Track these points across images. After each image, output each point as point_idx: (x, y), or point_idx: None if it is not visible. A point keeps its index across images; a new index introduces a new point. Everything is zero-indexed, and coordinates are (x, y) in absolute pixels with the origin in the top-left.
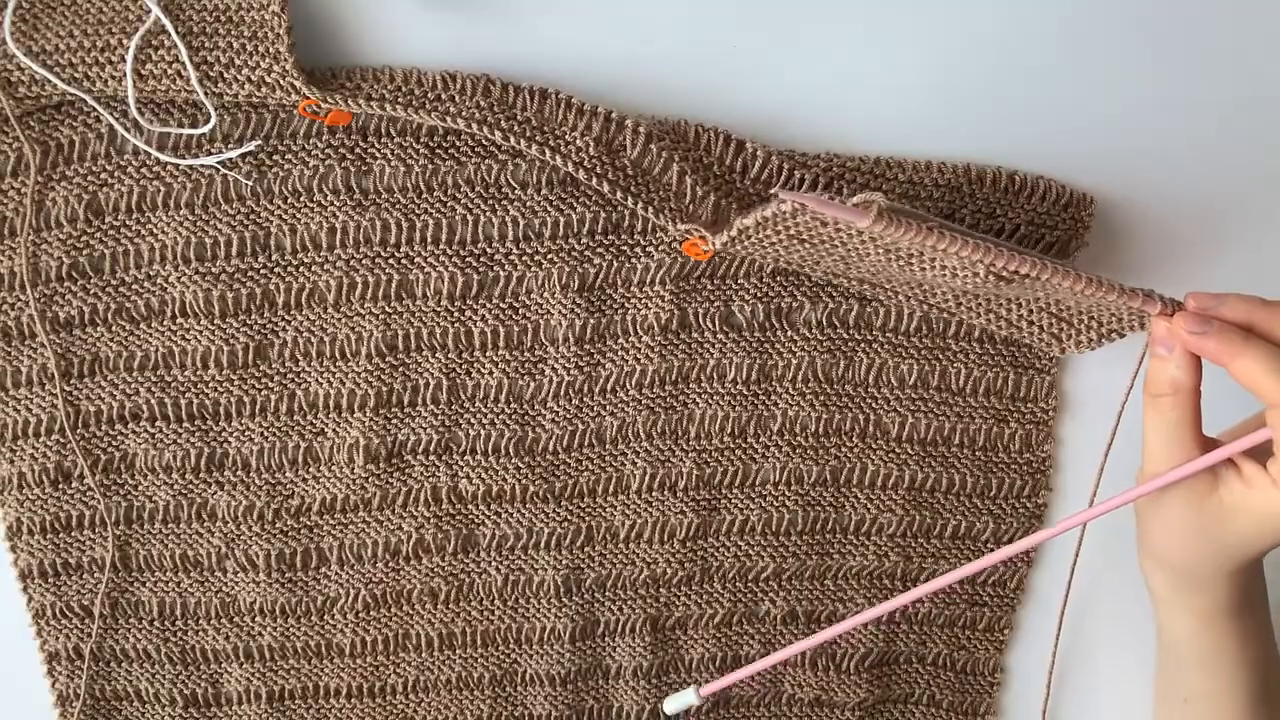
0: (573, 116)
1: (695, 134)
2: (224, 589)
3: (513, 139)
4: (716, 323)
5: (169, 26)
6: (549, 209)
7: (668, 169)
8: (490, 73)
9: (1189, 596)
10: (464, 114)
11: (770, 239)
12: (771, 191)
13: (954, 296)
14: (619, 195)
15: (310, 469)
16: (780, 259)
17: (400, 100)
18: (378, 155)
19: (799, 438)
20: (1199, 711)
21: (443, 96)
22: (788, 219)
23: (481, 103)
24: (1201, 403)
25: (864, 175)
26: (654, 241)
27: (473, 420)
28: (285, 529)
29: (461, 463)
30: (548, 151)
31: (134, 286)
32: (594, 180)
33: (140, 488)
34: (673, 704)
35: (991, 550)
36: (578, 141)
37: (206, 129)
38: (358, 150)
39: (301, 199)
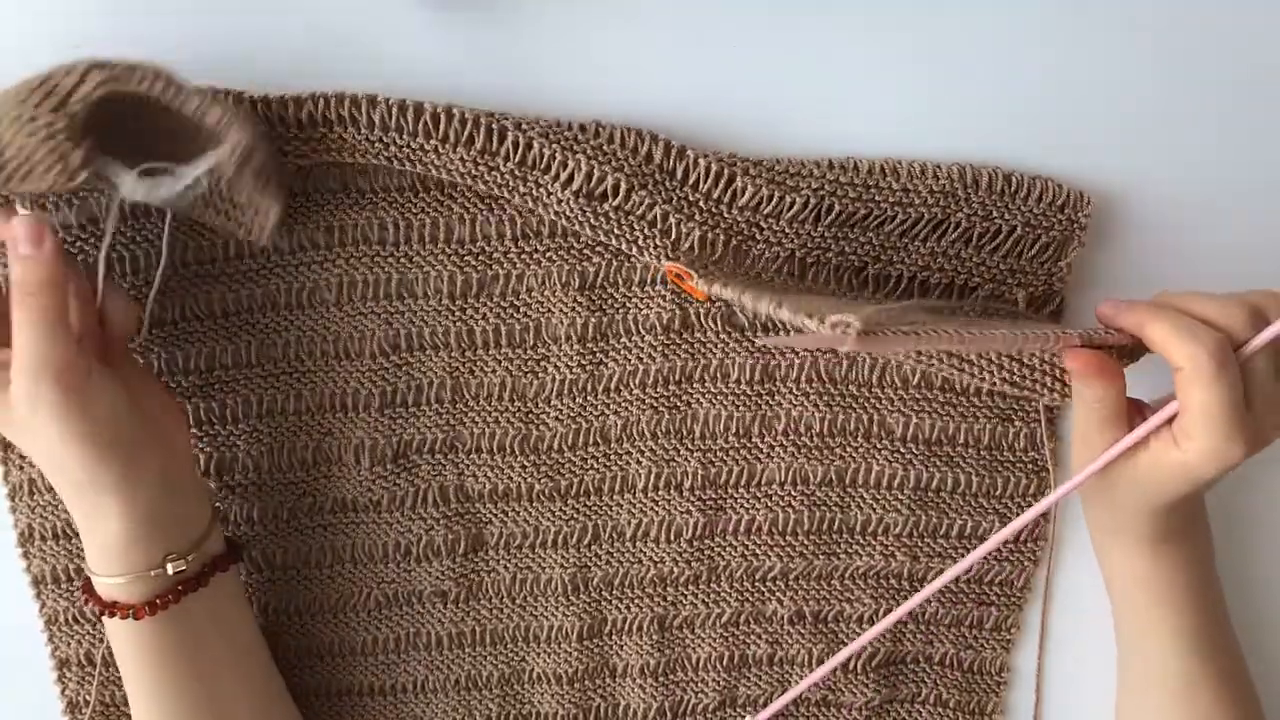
0: (555, 167)
1: (685, 170)
2: None
3: (495, 189)
4: (719, 323)
5: None
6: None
7: (650, 210)
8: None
9: (1120, 533)
10: (447, 167)
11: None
12: (760, 344)
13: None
14: (602, 237)
15: (320, 469)
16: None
17: (385, 152)
18: None
19: (803, 438)
20: (1145, 670)
21: (425, 148)
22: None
23: (464, 155)
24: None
25: (856, 189)
26: None
27: (477, 419)
28: (300, 529)
29: (467, 461)
30: (530, 201)
31: None
32: (575, 227)
33: None
34: None
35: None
36: (559, 194)
37: None
38: None
39: (298, 199)
